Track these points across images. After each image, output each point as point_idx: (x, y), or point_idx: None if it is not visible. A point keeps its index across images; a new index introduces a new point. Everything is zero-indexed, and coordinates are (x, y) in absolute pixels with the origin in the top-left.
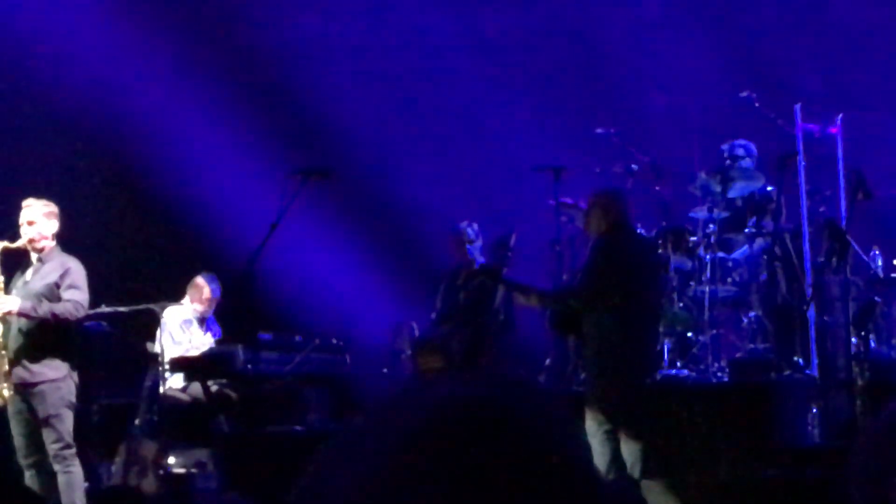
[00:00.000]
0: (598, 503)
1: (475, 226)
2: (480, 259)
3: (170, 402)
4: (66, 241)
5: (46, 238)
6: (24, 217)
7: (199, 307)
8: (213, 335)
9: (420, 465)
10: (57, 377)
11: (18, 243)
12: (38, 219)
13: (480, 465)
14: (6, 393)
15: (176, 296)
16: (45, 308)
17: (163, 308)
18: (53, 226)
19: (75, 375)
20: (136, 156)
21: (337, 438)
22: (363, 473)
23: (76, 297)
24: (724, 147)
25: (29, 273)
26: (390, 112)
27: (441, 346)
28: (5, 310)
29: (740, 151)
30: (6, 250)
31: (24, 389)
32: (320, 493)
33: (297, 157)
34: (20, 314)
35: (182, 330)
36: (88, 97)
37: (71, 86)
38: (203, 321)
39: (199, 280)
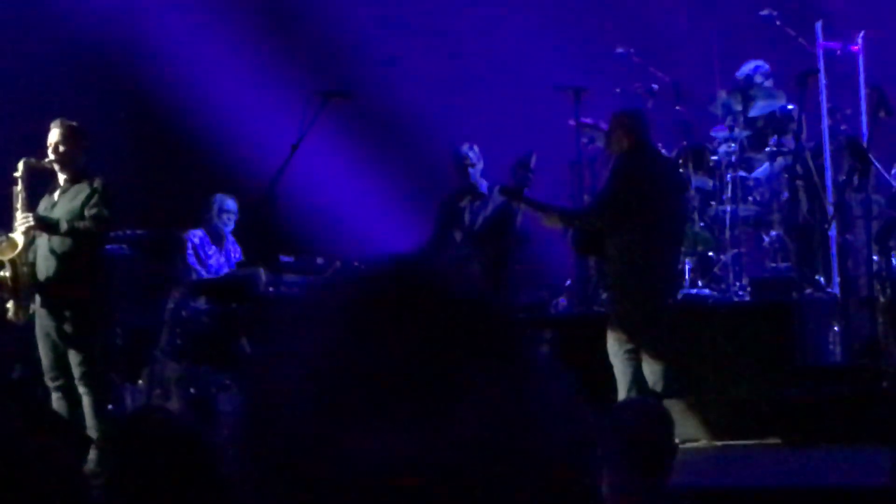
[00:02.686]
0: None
1: (476, 148)
2: (482, 182)
3: (193, 325)
4: (86, 165)
5: (74, 159)
6: (51, 138)
7: (218, 223)
8: (234, 257)
9: (362, 335)
10: (85, 299)
11: (45, 162)
12: (65, 140)
13: (418, 323)
14: (31, 308)
15: (197, 219)
16: (65, 226)
17: (184, 231)
18: (81, 147)
19: (104, 299)
20: (156, 80)
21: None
22: (310, 353)
23: (96, 212)
24: (739, 74)
25: (56, 194)
26: (410, 34)
27: (460, 269)
28: (28, 225)
29: (758, 79)
30: (30, 166)
31: (53, 310)
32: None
33: (318, 79)
34: (42, 229)
35: (202, 253)
36: (106, 20)
37: (89, 11)
38: (222, 241)
39: (213, 198)
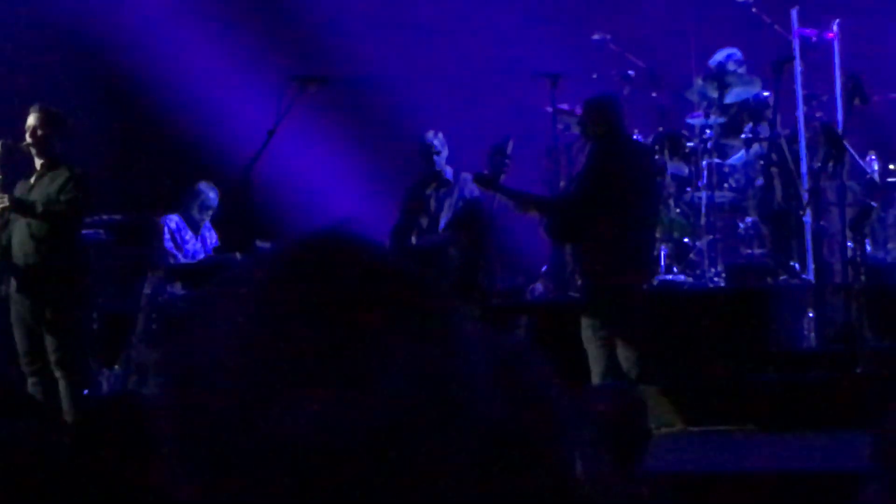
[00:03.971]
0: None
1: (441, 136)
2: (448, 169)
3: (169, 310)
4: (64, 151)
5: (51, 145)
6: (29, 123)
7: (197, 215)
8: (210, 243)
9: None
10: (63, 283)
11: (22, 145)
12: (43, 125)
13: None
14: (2, 290)
15: (173, 204)
16: (40, 208)
17: (160, 216)
18: (59, 133)
19: (82, 283)
20: (133, 64)
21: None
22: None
23: (71, 197)
24: (711, 62)
25: (32, 179)
26: (387, 19)
27: (438, 255)
28: (3, 206)
29: (731, 66)
30: (8, 147)
31: (30, 294)
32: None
33: (295, 65)
34: (17, 210)
35: (179, 238)
36: (84, 5)
37: None
38: (199, 229)
39: (198, 188)
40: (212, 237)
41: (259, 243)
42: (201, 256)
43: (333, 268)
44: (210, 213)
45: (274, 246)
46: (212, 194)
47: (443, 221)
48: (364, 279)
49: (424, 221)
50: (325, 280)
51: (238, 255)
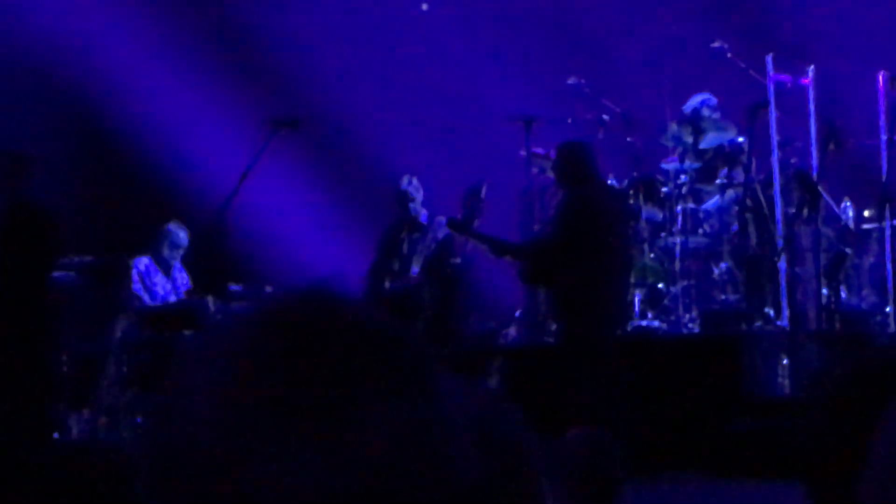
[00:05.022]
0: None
1: (415, 180)
2: (423, 213)
3: (140, 353)
4: (35, 191)
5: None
6: None
7: (167, 254)
8: (182, 285)
9: (258, 374)
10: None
11: None
12: None
13: (312, 359)
14: None
15: (145, 245)
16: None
17: (132, 258)
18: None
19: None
20: (106, 106)
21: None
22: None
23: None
24: (686, 108)
25: None
26: (360, 63)
27: (411, 299)
28: None
29: (705, 112)
30: None
31: None
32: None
33: (267, 108)
34: None
35: (148, 280)
36: (56, 45)
37: (39, 36)
38: (169, 269)
39: (167, 228)
40: (183, 278)
41: (232, 286)
42: (171, 298)
43: (313, 326)
44: (180, 251)
45: (255, 301)
46: (181, 233)
47: (417, 265)
48: (344, 338)
49: (398, 265)
50: (305, 339)
51: (210, 298)
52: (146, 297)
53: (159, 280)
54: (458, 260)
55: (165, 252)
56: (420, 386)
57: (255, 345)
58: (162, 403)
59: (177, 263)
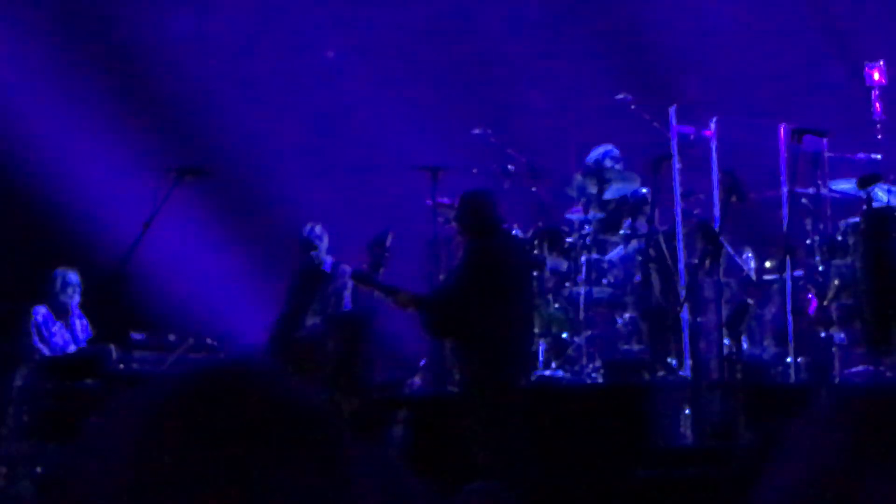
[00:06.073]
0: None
1: (319, 227)
2: (328, 260)
3: (40, 402)
4: None
5: None
6: None
7: (62, 298)
8: (81, 330)
9: (168, 440)
10: None
11: None
12: None
13: (224, 427)
14: None
15: (42, 294)
16: None
17: (31, 306)
18: None
19: None
20: (7, 153)
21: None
22: (116, 461)
23: None
24: (588, 159)
25: None
26: (266, 110)
27: (316, 346)
28: None
29: (608, 163)
30: None
31: None
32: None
33: (172, 156)
34: None
35: (46, 331)
36: None
37: None
38: (67, 316)
39: (55, 272)
40: (82, 324)
41: (134, 335)
42: (71, 346)
43: (226, 400)
44: (76, 290)
45: (169, 374)
46: (70, 274)
47: (320, 314)
48: (257, 412)
49: (303, 314)
50: (218, 412)
51: (112, 346)
52: (45, 349)
53: (58, 330)
54: (364, 309)
55: (60, 295)
56: (329, 454)
57: (169, 416)
58: (68, 462)
59: (76, 310)
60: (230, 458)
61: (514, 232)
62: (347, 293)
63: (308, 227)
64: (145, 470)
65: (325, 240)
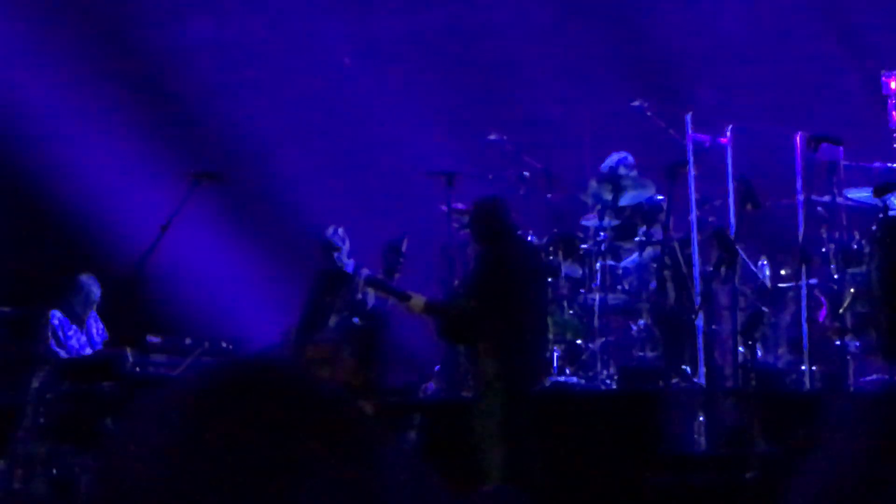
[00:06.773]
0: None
1: (341, 231)
2: (348, 263)
3: (57, 404)
4: None
5: None
6: None
7: (79, 309)
8: (97, 333)
9: (203, 432)
10: None
11: None
12: None
13: (255, 419)
14: None
15: (62, 297)
16: None
17: (49, 309)
18: None
19: None
20: (25, 156)
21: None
22: (155, 454)
23: None
24: (603, 166)
25: None
26: (283, 116)
27: (333, 355)
28: None
29: (622, 171)
30: None
31: None
32: (118, 475)
33: (189, 160)
34: None
35: (62, 334)
36: None
37: None
38: (83, 322)
39: (80, 281)
40: (98, 328)
41: (151, 338)
42: (87, 350)
43: (262, 395)
44: (93, 306)
45: (203, 370)
46: (94, 288)
47: (339, 318)
48: (293, 407)
49: (326, 316)
50: (254, 407)
51: (129, 349)
52: (61, 353)
53: (74, 333)
54: (381, 314)
55: (78, 307)
56: (362, 450)
57: (205, 411)
58: (106, 458)
59: (93, 314)
60: (272, 450)
61: (529, 238)
62: (370, 292)
63: (331, 229)
64: (184, 468)
65: (347, 243)
